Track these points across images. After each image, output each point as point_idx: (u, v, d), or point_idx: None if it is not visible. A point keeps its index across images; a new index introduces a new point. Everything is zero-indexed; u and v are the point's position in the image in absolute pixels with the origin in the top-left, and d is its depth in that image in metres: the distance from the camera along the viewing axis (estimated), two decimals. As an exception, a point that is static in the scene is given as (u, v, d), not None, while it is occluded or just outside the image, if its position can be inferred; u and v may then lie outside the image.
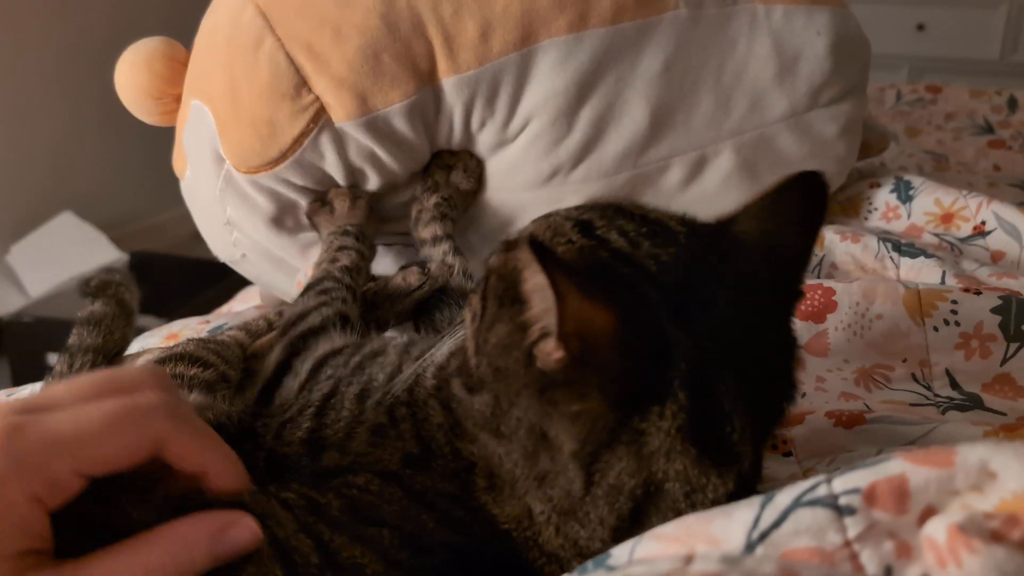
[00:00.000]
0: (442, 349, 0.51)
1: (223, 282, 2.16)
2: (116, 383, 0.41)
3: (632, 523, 0.41)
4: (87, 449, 0.37)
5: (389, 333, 0.74)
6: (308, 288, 0.72)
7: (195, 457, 0.40)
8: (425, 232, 0.83)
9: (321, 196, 0.86)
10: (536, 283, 0.39)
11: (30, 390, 0.83)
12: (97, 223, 2.71)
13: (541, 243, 0.38)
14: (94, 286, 0.80)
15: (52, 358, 2.17)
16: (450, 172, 0.89)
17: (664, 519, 0.40)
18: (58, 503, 0.36)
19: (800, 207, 0.47)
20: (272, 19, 0.81)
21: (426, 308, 0.78)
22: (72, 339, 0.77)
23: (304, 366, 0.58)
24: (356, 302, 0.71)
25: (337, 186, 0.85)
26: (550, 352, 0.40)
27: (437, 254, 0.81)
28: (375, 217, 0.87)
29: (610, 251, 0.44)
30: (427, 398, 0.48)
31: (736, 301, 0.43)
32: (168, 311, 1.96)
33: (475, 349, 0.45)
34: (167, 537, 0.38)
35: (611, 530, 0.41)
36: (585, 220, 0.46)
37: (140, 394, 0.40)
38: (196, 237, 1.00)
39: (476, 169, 0.90)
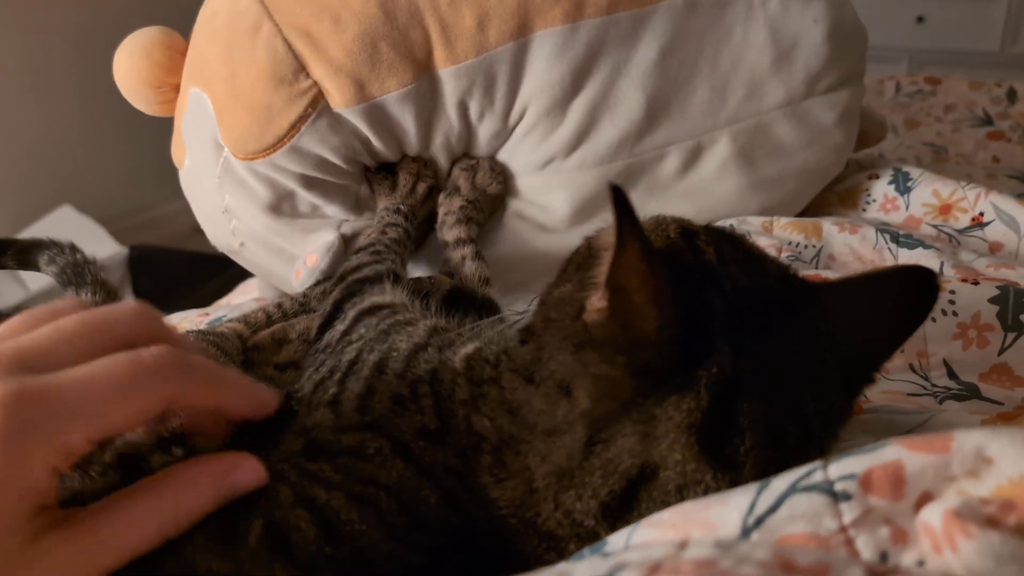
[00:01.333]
0: (476, 340, 0.53)
1: (222, 275, 2.15)
2: (110, 329, 0.40)
3: (622, 503, 0.41)
4: (99, 416, 0.36)
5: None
6: (360, 249, 0.75)
7: (207, 400, 0.40)
8: (449, 235, 0.84)
9: (388, 166, 0.88)
10: (608, 239, 0.40)
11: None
12: (96, 216, 2.71)
13: (626, 197, 0.39)
14: (64, 271, 0.80)
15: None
16: (474, 174, 0.90)
17: (653, 506, 0.40)
18: (69, 465, 0.35)
19: (901, 301, 0.47)
20: (269, 5, 0.81)
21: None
22: None
23: (350, 313, 0.61)
24: (404, 267, 0.74)
25: (375, 166, 0.87)
26: (595, 303, 0.41)
27: (456, 257, 0.82)
28: (429, 204, 0.88)
29: (696, 258, 0.45)
30: (455, 377, 0.49)
31: (795, 352, 0.43)
32: (167, 304, 1.95)
33: (540, 301, 0.48)
34: (174, 479, 0.38)
35: (601, 505, 0.41)
36: (690, 229, 0.47)
37: (145, 351, 0.38)
38: (195, 231, 1.00)
39: (500, 170, 0.91)
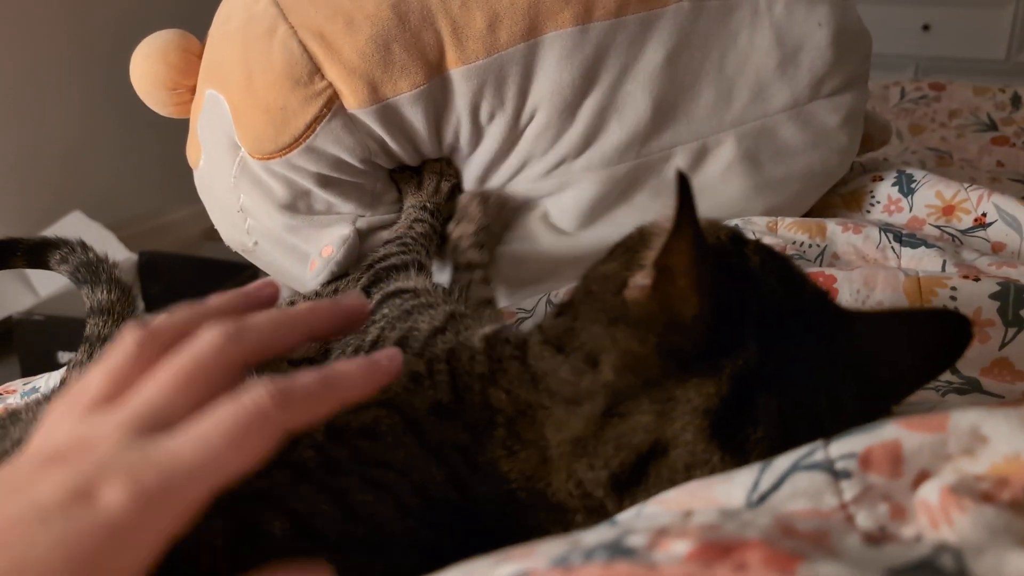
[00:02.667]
0: (494, 323, 0.55)
1: (232, 281, 2.17)
2: (206, 370, 0.40)
3: (631, 476, 0.42)
4: (219, 471, 0.36)
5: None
6: (388, 241, 0.78)
7: (325, 411, 0.40)
8: (461, 259, 0.86)
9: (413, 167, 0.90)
10: (663, 224, 0.42)
11: (46, 380, 0.84)
12: (106, 223, 2.73)
13: (689, 185, 0.41)
14: (79, 270, 0.81)
15: (62, 356, 2.19)
16: (486, 203, 0.92)
17: (660, 482, 0.42)
18: (190, 517, 0.36)
19: (931, 343, 0.48)
20: (285, 7, 0.82)
21: None
22: (89, 329, 0.79)
23: (376, 297, 0.63)
24: (430, 258, 0.77)
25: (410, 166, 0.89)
26: (639, 280, 0.43)
27: (464, 281, 0.84)
28: (452, 203, 0.90)
29: (741, 263, 0.47)
30: (473, 354, 0.51)
31: (818, 365, 0.45)
32: (177, 309, 1.97)
33: (584, 276, 0.49)
34: None
35: (611, 475, 0.42)
36: (741, 237, 0.49)
37: (247, 397, 0.38)
38: (204, 237, 1.02)
39: (503, 203, 0.94)
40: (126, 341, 0.42)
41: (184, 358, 0.41)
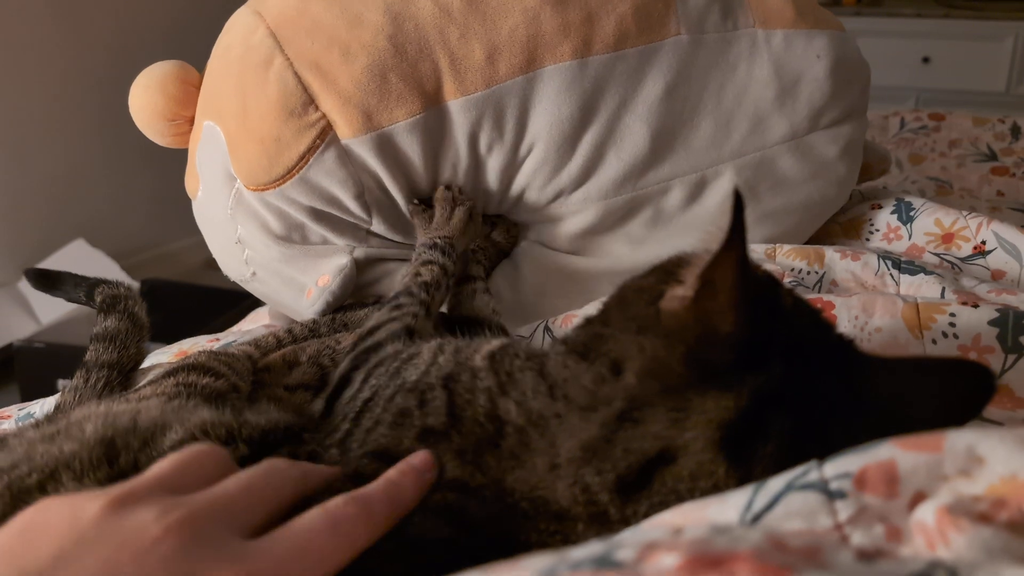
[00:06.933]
0: (494, 341, 0.55)
1: (233, 310, 2.17)
2: (277, 491, 0.44)
3: (637, 481, 0.42)
4: (255, 503, 0.41)
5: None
6: (387, 301, 0.76)
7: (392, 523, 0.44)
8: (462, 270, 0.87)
9: (426, 199, 0.89)
10: (710, 246, 0.43)
11: (40, 405, 0.84)
12: (109, 251, 2.74)
13: (744, 207, 0.42)
14: (104, 301, 0.82)
15: (62, 383, 2.19)
16: (492, 229, 0.93)
17: (664, 489, 0.42)
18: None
19: (951, 393, 0.47)
20: (282, 39, 0.83)
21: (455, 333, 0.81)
22: (89, 355, 0.79)
23: (359, 377, 0.62)
24: (429, 316, 0.75)
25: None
26: (679, 291, 0.44)
27: (468, 289, 0.84)
28: (473, 225, 0.88)
29: (775, 300, 0.48)
30: (475, 372, 0.51)
31: (837, 398, 0.45)
32: (178, 338, 1.97)
33: (619, 287, 0.51)
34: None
35: (617, 478, 0.42)
36: (777, 280, 0.50)
37: (337, 509, 0.42)
38: (206, 265, 1.02)
39: (515, 233, 0.95)
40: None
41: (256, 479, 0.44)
